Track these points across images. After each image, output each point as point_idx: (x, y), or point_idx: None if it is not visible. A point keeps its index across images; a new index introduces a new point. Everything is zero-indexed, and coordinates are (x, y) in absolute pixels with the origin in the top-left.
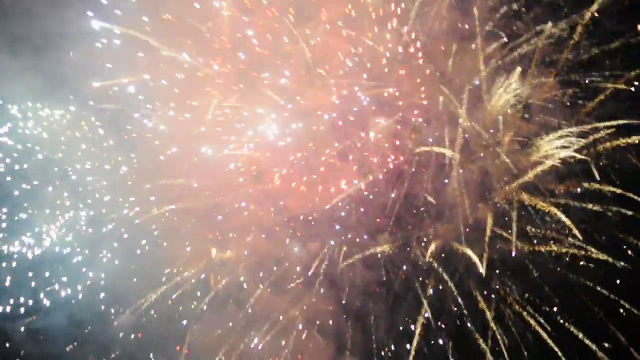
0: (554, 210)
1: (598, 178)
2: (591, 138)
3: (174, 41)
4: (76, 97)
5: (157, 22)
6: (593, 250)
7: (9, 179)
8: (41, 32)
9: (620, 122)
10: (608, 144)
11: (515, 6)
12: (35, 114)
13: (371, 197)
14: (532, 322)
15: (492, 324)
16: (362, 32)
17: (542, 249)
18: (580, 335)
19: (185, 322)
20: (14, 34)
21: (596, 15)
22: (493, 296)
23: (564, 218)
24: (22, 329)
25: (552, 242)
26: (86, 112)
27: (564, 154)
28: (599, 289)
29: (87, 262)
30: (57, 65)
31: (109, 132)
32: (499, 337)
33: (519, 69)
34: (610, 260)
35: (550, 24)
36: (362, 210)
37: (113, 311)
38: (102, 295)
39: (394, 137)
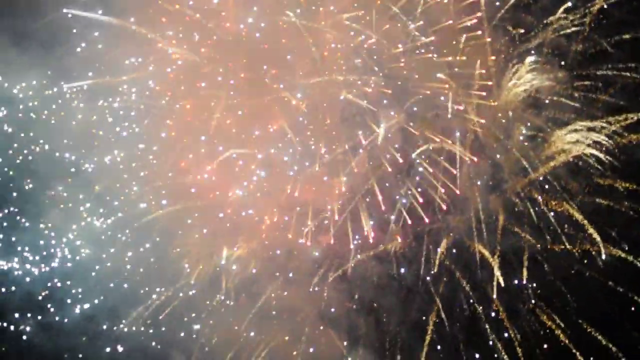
0: (566, 205)
1: (609, 172)
2: (602, 132)
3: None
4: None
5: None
6: (606, 245)
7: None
8: (46, 26)
9: (631, 115)
10: (619, 138)
11: None
12: (39, 95)
13: (382, 190)
14: (544, 316)
15: (505, 318)
16: (369, 26)
17: (555, 245)
18: (594, 331)
19: (198, 317)
20: (19, 27)
21: (605, 5)
22: (505, 290)
23: (576, 214)
24: (36, 323)
25: (564, 237)
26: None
27: (576, 149)
28: (611, 284)
29: (99, 257)
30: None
31: (123, 121)
32: (511, 331)
33: (528, 59)
34: (623, 255)
35: (558, 15)
36: (373, 203)
37: (125, 306)
38: (114, 290)
39: (403, 130)
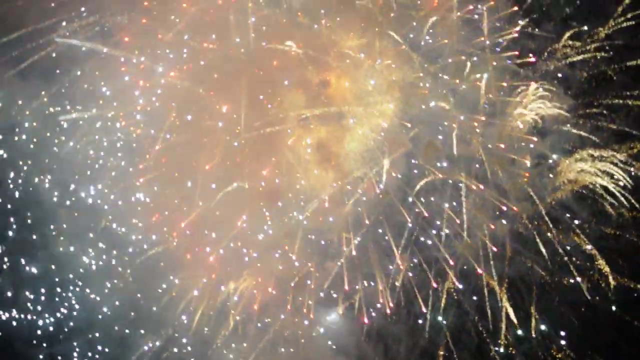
0: (573, 234)
1: (615, 201)
2: (608, 160)
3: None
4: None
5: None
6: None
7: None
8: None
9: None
10: (625, 166)
11: (526, 24)
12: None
13: (387, 217)
14: (554, 347)
15: (512, 346)
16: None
17: (563, 275)
18: None
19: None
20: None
21: (609, 32)
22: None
23: (584, 243)
24: (44, 354)
25: (572, 266)
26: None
27: (582, 178)
28: (619, 312)
29: (107, 288)
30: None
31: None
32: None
33: (533, 87)
34: (632, 285)
35: (562, 42)
36: (379, 230)
37: (133, 337)
38: (122, 321)
39: (408, 156)
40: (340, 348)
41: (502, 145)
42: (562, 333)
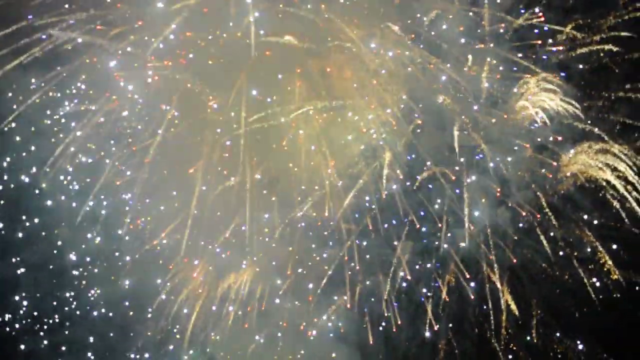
0: (575, 227)
1: (618, 194)
2: (611, 152)
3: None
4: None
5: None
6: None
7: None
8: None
9: None
10: (628, 159)
11: (529, 15)
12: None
13: (387, 204)
14: (554, 338)
15: (513, 337)
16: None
17: (564, 267)
18: (601, 351)
19: (208, 333)
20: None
21: (611, 22)
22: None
23: (587, 236)
24: (46, 342)
25: (574, 259)
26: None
27: (585, 170)
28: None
29: (108, 274)
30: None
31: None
32: (521, 353)
33: (535, 79)
34: (633, 277)
35: (565, 34)
36: (379, 218)
37: (135, 325)
38: (124, 308)
39: (410, 147)
40: (341, 339)
41: (504, 136)
42: (563, 324)
